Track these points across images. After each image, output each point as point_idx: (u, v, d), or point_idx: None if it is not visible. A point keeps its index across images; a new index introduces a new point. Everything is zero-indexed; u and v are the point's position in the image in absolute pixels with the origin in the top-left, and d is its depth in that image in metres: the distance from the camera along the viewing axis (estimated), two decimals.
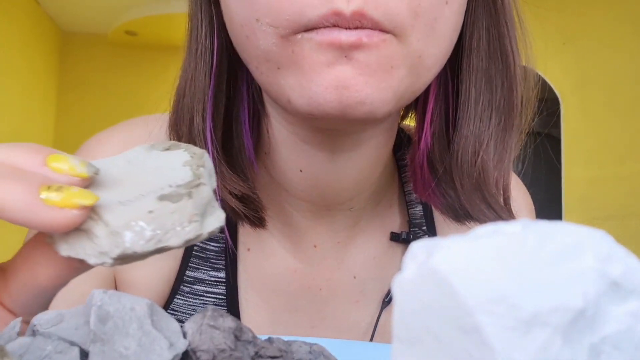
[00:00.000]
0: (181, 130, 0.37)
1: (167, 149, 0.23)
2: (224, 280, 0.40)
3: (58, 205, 0.18)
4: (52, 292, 0.22)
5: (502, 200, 0.38)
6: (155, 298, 0.40)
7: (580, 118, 2.17)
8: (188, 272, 0.40)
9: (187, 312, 0.40)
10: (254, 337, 0.18)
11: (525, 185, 0.48)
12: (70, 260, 0.20)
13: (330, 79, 0.29)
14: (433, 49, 0.31)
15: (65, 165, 0.19)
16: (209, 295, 0.40)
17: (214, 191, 0.22)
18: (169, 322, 0.17)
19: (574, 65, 2.16)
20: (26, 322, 0.20)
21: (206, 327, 0.17)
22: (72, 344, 0.17)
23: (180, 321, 0.18)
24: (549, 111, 0.45)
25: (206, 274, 0.40)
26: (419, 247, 0.13)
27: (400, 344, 0.13)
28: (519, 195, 0.46)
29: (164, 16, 2.51)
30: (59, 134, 2.96)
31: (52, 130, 2.95)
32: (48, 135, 2.92)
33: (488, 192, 0.37)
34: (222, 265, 0.40)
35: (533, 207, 0.48)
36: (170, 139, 0.38)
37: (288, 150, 0.37)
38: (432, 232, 0.44)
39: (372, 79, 0.29)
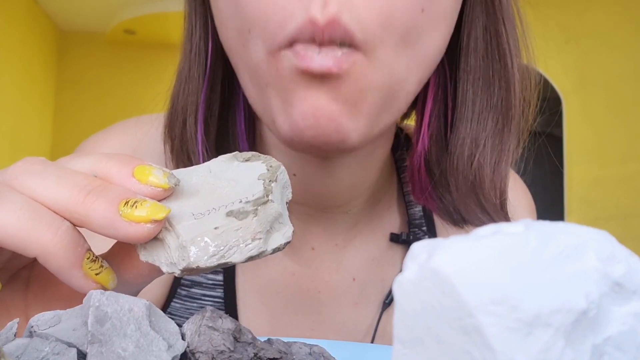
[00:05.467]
0: (174, 132, 0.37)
1: (247, 160, 0.24)
2: (221, 283, 0.40)
3: (134, 220, 0.20)
4: (138, 289, 0.24)
5: (498, 203, 0.38)
6: (152, 301, 0.40)
7: (582, 117, 2.17)
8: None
9: (185, 315, 0.40)
10: (254, 338, 0.18)
11: (527, 185, 0.48)
12: (149, 263, 0.21)
13: (308, 105, 0.29)
14: (407, 59, 0.30)
15: (150, 177, 0.21)
16: (206, 298, 0.40)
17: (288, 203, 0.23)
18: (167, 324, 0.17)
19: (576, 64, 2.15)
20: None
21: (205, 328, 0.17)
22: (70, 345, 0.17)
23: (178, 325, 0.18)
24: (550, 111, 0.45)
25: (204, 276, 0.40)
26: (420, 248, 0.13)
27: (401, 345, 0.13)
28: (519, 195, 0.46)
29: (163, 15, 2.50)
30: (57, 132, 2.96)
31: (49, 129, 2.95)
32: (46, 133, 2.93)
33: (484, 196, 0.37)
34: (220, 268, 0.40)
35: (534, 207, 0.48)
36: (164, 141, 0.38)
37: (281, 154, 0.37)
38: (432, 232, 0.43)
39: (345, 106, 0.29)
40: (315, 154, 0.34)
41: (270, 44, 0.29)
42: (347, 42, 0.28)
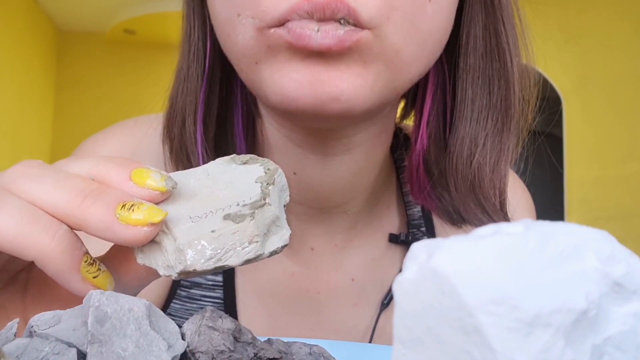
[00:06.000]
0: (173, 132, 0.37)
1: (245, 163, 0.24)
2: (221, 283, 0.40)
3: (131, 223, 0.20)
4: (135, 291, 0.24)
5: (498, 203, 0.38)
6: (152, 302, 0.39)
7: (582, 117, 2.17)
8: None
9: (185, 316, 0.40)
10: (253, 338, 0.18)
11: (527, 185, 0.48)
12: (146, 266, 0.21)
13: (303, 74, 0.29)
14: (414, 45, 0.30)
15: (147, 180, 0.21)
16: (206, 299, 0.40)
17: (285, 206, 0.23)
18: (167, 323, 0.17)
19: (576, 64, 2.16)
20: None
21: (205, 328, 0.17)
22: (70, 345, 0.17)
23: (178, 325, 0.18)
24: (550, 110, 0.45)
25: (203, 277, 0.40)
26: (420, 248, 0.13)
27: (401, 345, 0.13)
28: (519, 194, 0.46)
29: (163, 14, 2.50)
30: (57, 132, 2.96)
31: (49, 129, 2.95)
32: (45, 133, 2.92)
33: (483, 195, 0.37)
34: None
35: (533, 207, 0.48)
36: (163, 141, 0.38)
37: (281, 153, 0.37)
38: (431, 233, 0.43)
39: (346, 74, 0.29)
40: (313, 123, 0.34)
41: (260, 21, 0.29)
42: (351, 21, 0.28)
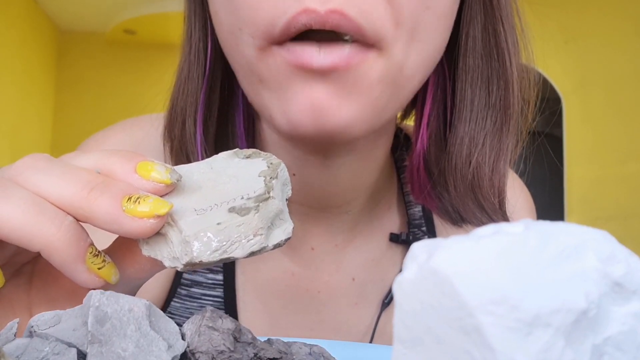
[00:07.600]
0: (174, 133, 0.37)
1: (248, 157, 0.24)
2: (221, 282, 0.40)
3: (137, 215, 0.20)
4: (139, 283, 0.24)
5: (497, 202, 0.38)
6: (152, 301, 0.40)
7: (582, 117, 2.17)
8: (185, 275, 0.40)
9: (185, 315, 0.40)
10: (254, 338, 0.18)
11: (527, 185, 0.48)
12: (151, 258, 0.22)
13: (305, 99, 0.29)
14: (415, 56, 0.30)
15: (152, 173, 0.21)
16: (206, 298, 0.40)
17: (287, 200, 0.23)
18: (167, 324, 0.17)
19: (576, 64, 2.15)
20: None
21: (205, 328, 0.17)
22: (70, 345, 0.17)
23: (178, 324, 0.18)
24: (550, 110, 0.45)
25: (203, 276, 0.40)
26: (420, 248, 0.13)
27: (401, 345, 0.13)
28: (517, 193, 0.46)
29: (163, 15, 2.50)
30: (57, 132, 2.96)
31: (49, 129, 2.95)
32: (46, 133, 2.92)
33: (482, 195, 0.37)
34: (220, 267, 0.40)
35: (534, 207, 0.48)
36: (164, 141, 0.38)
37: (281, 155, 0.37)
38: (431, 232, 0.43)
39: (347, 100, 0.29)
40: (317, 147, 0.34)
41: (260, 39, 0.29)
42: (358, 38, 0.28)
